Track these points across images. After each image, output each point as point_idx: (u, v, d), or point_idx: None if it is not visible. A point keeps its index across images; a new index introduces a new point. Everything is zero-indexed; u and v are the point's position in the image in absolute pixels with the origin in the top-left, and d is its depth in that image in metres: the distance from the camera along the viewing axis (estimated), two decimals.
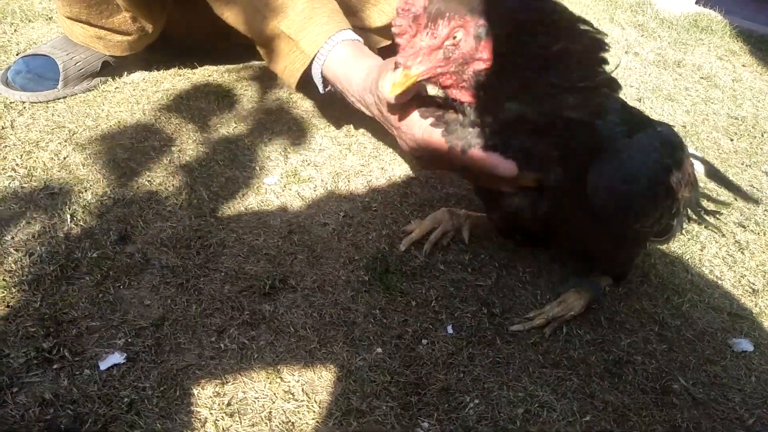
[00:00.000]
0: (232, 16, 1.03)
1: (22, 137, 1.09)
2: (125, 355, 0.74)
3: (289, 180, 1.10)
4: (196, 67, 1.41)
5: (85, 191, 0.98)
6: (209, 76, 1.39)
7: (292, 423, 0.70)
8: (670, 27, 2.26)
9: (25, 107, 1.18)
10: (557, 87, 0.69)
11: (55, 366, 0.72)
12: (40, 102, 1.19)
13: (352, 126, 1.29)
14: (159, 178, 1.04)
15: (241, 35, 1.06)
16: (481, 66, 0.68)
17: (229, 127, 1.22)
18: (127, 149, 1.10)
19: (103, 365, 0.73)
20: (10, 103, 1.18)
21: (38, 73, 1.19)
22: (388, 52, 0.92)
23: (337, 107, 1.32)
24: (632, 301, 0.96)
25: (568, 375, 0.81)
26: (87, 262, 0.86)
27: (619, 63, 0.84)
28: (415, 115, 0.79)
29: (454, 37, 0.65)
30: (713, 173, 1.12)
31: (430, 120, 0.77)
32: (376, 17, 1.21)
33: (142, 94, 1.28)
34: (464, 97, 0.71)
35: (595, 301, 0.92)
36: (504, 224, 0.91)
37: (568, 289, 0.91)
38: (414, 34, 0.65)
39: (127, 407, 0.68)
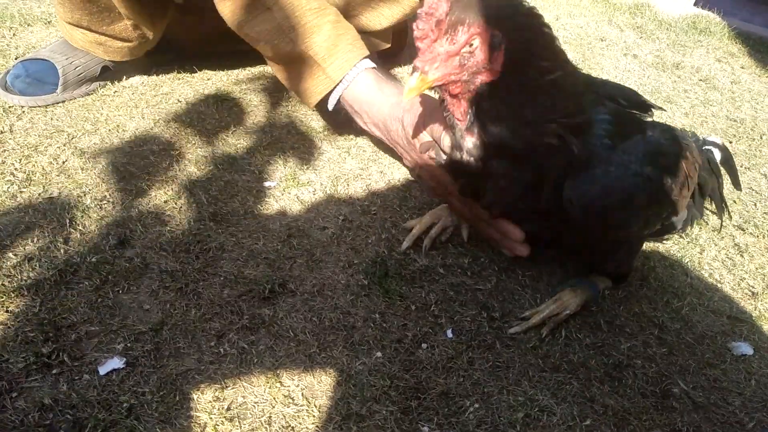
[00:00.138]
0: (252, 34, 1.04)
1: (21, 141, 1.09)
2: (124, 359, 0.74)
3: (288, 184, 1.10)
4: (196, 72, 1.41)
5: (84, 196, 0.98)
6: (208, 80, 1.39)
7: (292, 427, 0.70)
8: (668, 29, 2.26)
9: (24, 111, 1.18)
10: (539, 118, 0.71)
11: (54, 371, 0.72)
12: (39, 106, 1.19)
13: (350, 130, 1.29)
14: (158, 183, 1.04)
15: (242, 40, 1.06)
16: (489, 78, 0.69)
17: (228, 131, 1.22)
18: (126, 153, 1.10)
19: (103, 370, 0.73)
20: (9, 107, 1.18)
21: (37, 77, 1.19)
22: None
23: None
24: (632, 304, 0.96)
25: (568, 379, 0.81)
26: (86, 266, 0.86)
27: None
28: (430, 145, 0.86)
29: (471, 44, 0.67)
30: (726, 161, 1.11)
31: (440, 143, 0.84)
32: (375, 21, 1.22)
33: (141, 98, 1.28)
34: (458, 112, 0.74)
35: (592, 302, 0.92)
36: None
37: (564, 287, 0.91)
38: (435, 39, 0.67)
39: (127, 412, 0.68)
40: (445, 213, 1.00)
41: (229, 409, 0.71)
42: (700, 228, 1.14)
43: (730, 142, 1.50)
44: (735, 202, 1.23)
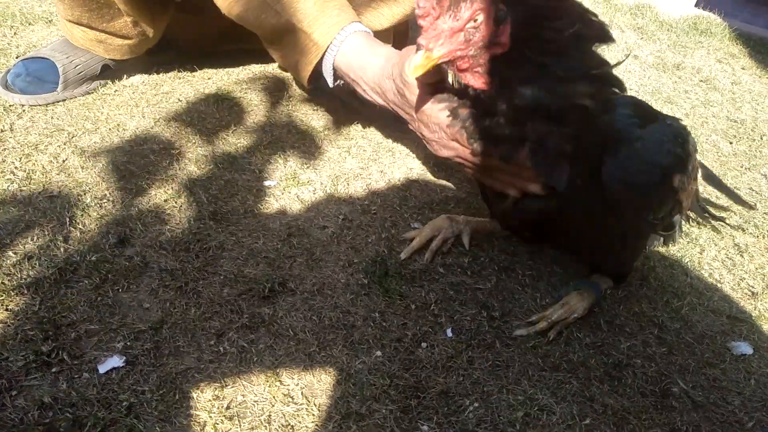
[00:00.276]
0: (241, 13, 1.02)
1: (21, 140, 1.09)
2: (124, 358, 0.74)
3: (288, 183, 1.10)
4: (196, 70, 1.41)
5: (84, 194, 0.98)
6: (209, 79, 1.39)
7: (292, 426, 0.70)
8: (669, 30, 2.26)
9: (24, 110, 1.18)
10: (571, 73, 0.70)
11: (54, 369, 0.72)
12: (40, 105, 1.19)
13: (351, 129, 1.29)
14: (158, 181, 1.04)
15: (243, 38, 1.06)
16: (498, 50, 0.69)
17: (228, 130, 1.22)
18: (127, 152, 1.10)
19: (102, 368, 0.72)
20: (10, 105, 1.18)
21: (38, 76, 1.19)
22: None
23: (337, 110, 1.33)
24: (632, 304, 0.96)
25: (568, 378, 0.81)
26: (86, 265, 0.86)
27: (629, 54, 0.86)
28: (435, 100, 0.81)
29: (475, 20, 0.66)
30: (709, 177, 1.13)
31: (445, 104, 0.79)
32: (376, 21, 1.21)
33: (141, 97, 1.28)
34: (478, 82, 0.72)
35: (595, 304, 0.92)
36: (512, 222, 0.91)
37: (570, 291, 0.91)
38: (437, 17, 0.66)
39: (126, 411, 0.68)
40: (445, 224, 0.99)
41: (228, 407, 0.71)
42: (700, 228, 1.15)
43: (731, 143, 1.50)
44: (735, 202, 1.22)
